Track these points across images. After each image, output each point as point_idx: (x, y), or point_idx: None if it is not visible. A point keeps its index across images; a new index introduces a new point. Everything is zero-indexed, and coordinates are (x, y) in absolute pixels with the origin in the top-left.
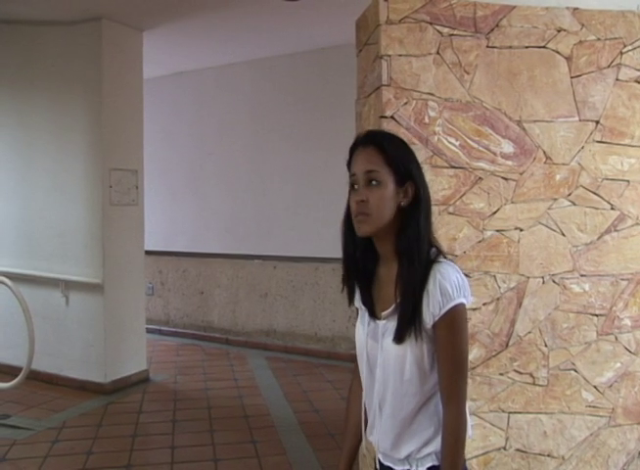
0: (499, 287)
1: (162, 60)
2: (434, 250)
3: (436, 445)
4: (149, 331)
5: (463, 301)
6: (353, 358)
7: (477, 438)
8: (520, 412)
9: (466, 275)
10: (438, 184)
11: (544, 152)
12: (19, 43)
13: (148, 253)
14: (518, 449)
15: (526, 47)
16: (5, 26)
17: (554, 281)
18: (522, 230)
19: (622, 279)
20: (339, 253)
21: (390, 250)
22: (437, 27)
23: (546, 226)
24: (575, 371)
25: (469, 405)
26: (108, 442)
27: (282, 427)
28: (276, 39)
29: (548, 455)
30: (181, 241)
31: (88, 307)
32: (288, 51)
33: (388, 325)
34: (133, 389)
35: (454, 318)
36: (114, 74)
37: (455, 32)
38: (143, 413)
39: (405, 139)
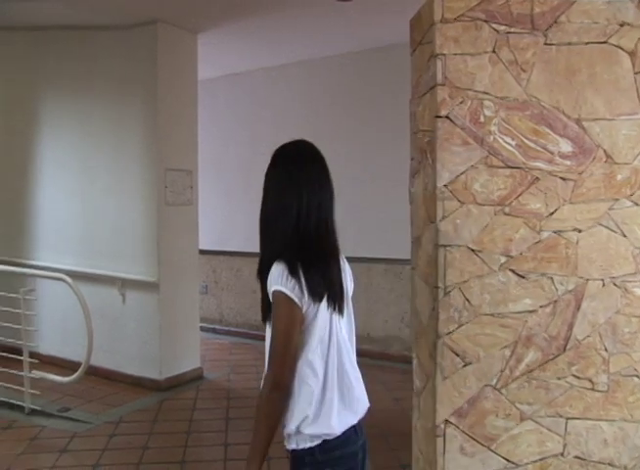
0: (556, 289)
1: (217, 61)
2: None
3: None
4: (202, 330)
5: (278, 288)
6: (406, 359)
7: (532, 443)
8: (578, 418)
9: (522, 277)
10: (494, 184)
11: (604, 151)
12: (79, 48)
13: (202, 252)
14: (576, 457)
15: (587, 43)
16: (66, 32)
17: (615, 284)
18: (580, 231)
19: None
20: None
21: None
22: (493, 25)
23: (606, 227)
24: (638, 377)
25: (525, 409)
26: (163, 437)
27: None
28: (329, 40)
29: (609, 464)
30: (235, 240)
31: (144, 305)
32: (340, 51)
33: None
34: (187, 386)
35: (273, 300)
36: (169, 76)
37: (512, 30)
38: (197, 410)
39: (460, 139)
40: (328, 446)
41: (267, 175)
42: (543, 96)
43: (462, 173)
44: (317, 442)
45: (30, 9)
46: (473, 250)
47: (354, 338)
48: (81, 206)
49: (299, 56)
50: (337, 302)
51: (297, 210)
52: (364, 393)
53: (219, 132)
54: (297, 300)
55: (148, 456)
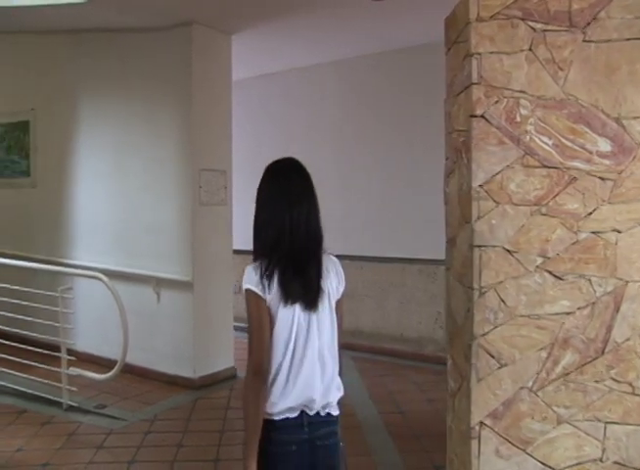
0: (594, 291)
1: (251, 62)
2: None
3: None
4: (236, 329)
5: (246, 286)
6: (440, 360)
7: (570, 447)
8: (618, 423)
9: (559, 278)
10: (530, 184)
11: None
12: (115, 50)
13: (236, 252)
14: (616, 462)
15: (627, 39)
16: (103, 35)
17: None
18: (620, 232)
19: None
20: (425, 253)
21: None
22: (530, 23)
23: None
24: None
25: (562, 412)
26: (197, 436)
27: (367, 427)
28: (362, 39)
29: None
30: None
31: (178, 304)
32: (374, 50)
33: None
34: (221, 385)
35: (245, 298)
36: (203, 77)
37: (549, 28)
38: (230, 409)
39: (496, 138)
40: (269, 425)
41: (258, 188)
42: (581, 94)
43: (498, 173)
44: (266, 417)
45: (70, 13)
46: (508, 250)
47: (335, 332)
48: (118, 205)
49: (332, 56)
50: (303, 299)
51: (278, 219)
52: (322, 389)
53: (253, 132)
54: (261, 294)
55: (182, 454)
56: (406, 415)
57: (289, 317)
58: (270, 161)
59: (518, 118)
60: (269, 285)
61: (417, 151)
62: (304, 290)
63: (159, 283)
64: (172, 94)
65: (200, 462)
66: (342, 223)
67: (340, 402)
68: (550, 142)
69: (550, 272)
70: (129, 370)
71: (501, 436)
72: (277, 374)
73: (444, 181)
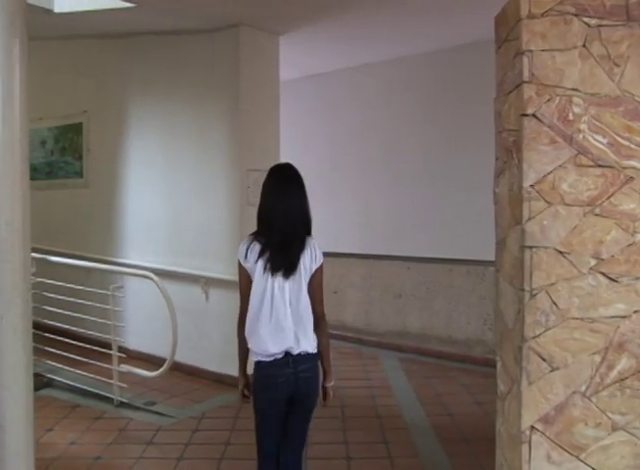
0: None
1: (299, 62)
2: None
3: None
4: None
5: (238, 257)
6: (488, 363)
7: (626, 455)
8: None
9: (613, 280)
10: (583, 184)
11: None
12: (165, 52)
13: None
14: None
15: None
16: (154, 37)
17: None
18: None
19: None
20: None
21: None
22: (584, 19)
23: None
24: None
25: (617, 419)
26: (244, 434)
27: (414, 429)
28: (411, 38)
29: None
30: (315, 240)
31: (226, 304)
32: (423, 50)
33: None
34: None
35: None
36: (251, 78)
37: (604, 23)
38: None
39: (548, 138)
40: (257, 364)
41: (262, 184)
42: (638, 91)
43: (549, 173)
44: (258, 358)
45: (120, 17)
46: (561, 252)
47: (306, 295)
48: (167, 205)
49: (381, 55)
50: (272, 267)
51: (263, 209)
52: (287, 338)
53: (300, 133)
54: (242, 262)
55: (229, 452)
56: (454, 418)
57: (263, 281)
58: (318, 161)
59: (570, 117)
60: (250, 255)
61: (466, 151)
62: (286, 262)
63: (207, 282)
64: (221, 95)
65: (247, 460)
66: (390, 223)
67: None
68: (604, 141)
69: (604, 274)
70: (178, 368)
71: (553, 441)
72: (256, 322)
73: (494, 181)
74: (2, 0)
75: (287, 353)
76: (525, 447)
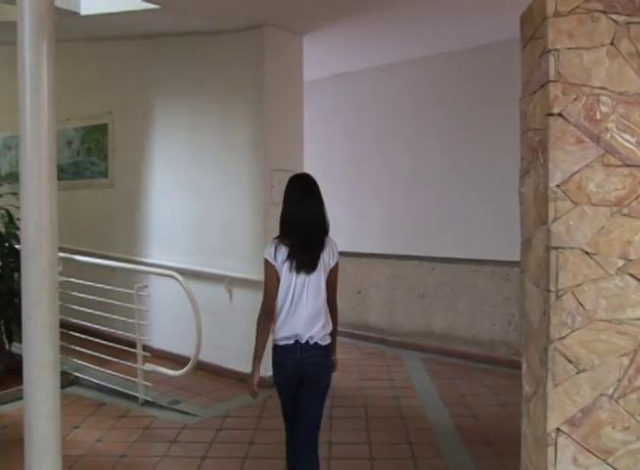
0: None
1: (322, 62)
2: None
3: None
4: None
5: (264, 256)
6: (513, 364)
7: None
8: None
9: None
10: (611, 184)
11: None
12: (189, 53)
13: None
14: None
15: None
16: (178, 38)
17: None
18: None
19: None
20: (498, 255)
21: None
22: (612, 16)
23: None
24: None
25: None
26: (268, 433)
27: (438, 430)
28: (435, 38)
29: None
30: (339, 240)
31: (250, 303)
32: (447, 49)
33: None
34: None
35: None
36: (275, 78)
37: (633, 20)
38: None
39: (574, 137)
40: (276, 347)
41: (284, 192)
42: None
43: (576, 173)
44: (275, 343)
45: (145, 19)
46: (587, 252)
47: (324, 290)
48: (192, 205)
49: (405, 55)
50: (297, 265)
51: (287, 214)
52: (306, 327)
53: (324, 133)
54: (272, 261)
55: (253, 451)
56: (478, 419)
57: (290, 278)
58: (341, 160)
59: (598, 116)
60: (277, 255)
61: (491, 150)
62: (308, 260)
63: (231, 282)
64: (245, 95)
65: (270, 459)
66: (413, 223)
67: (331, 336)
68: (633, 140)
69: (632, 276)
70: (202, 367)
71: (579, 444)
72: (280, 314)
73: (519, 181)
74: (31, 4)
75: (299, 341)
76: (550, 450)
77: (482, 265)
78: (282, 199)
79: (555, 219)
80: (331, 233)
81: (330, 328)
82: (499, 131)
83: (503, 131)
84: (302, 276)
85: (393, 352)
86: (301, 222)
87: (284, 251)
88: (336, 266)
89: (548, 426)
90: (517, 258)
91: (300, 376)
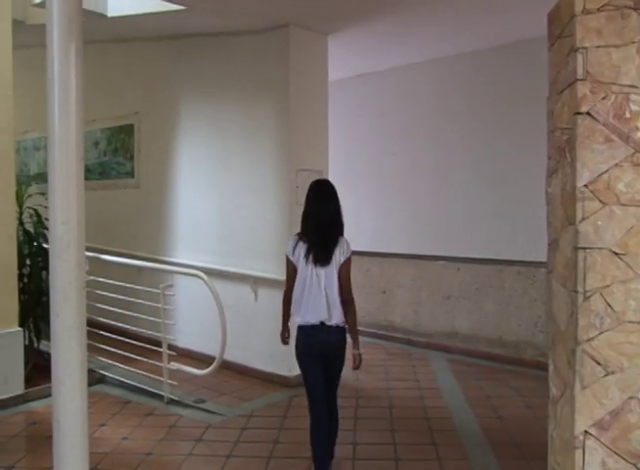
0: None
1: (347, 62)
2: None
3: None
4: None
5: (286, 252)
6: (539, 365)
7: None
8: None
9: None
10: None
11: None
12: (214, 53)
13: None
14: None
15: None
16: (204, 38)
17: None
18: None
19: None
20: (524, 255)
21: None
22: None
23: None
24: None
25: None
26: (292, 433)
27: (464, 431)
28: (460, 37)
29: None
30: (364, 240)
31: (275, 303)
32: (471, 48)
33: None
34: None
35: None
36: (300, 78)
37: None
38: None
39: (603, 136)
40: (300, 328)
41: (306, 195)
42: None
43: (604, 173)
44: (297, 324)
45: (171, 20)
46: (616, 253)
47: (337, 282)
48: (217, 205)
49: (429, 54)
50: (314, 259)
51: (307, 214)
52: (321, 313)
53: (349, 132)
54: (291, 257)
55: (278, 450)
56: (504, 421)
57: (306, 270)
58: (366, 159)
59: (627, 115)
60: (296, 250)
61: (516, 150)
62: (322, 256)
63: (256, 282)
64: (270, 95)
65: (295, 459)
66: (439, 223)
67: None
68: None
69: None
70: (227, 367)
71: (608, 447)
72: (299, 301)
73: (546, 181)
74: (60, 7)
75: (321, 323)
76: (578, 453)
77: (509, 266)
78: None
79: (583, 220)
80: (356, 232)
81: (342, 314)
82: (525, 130)
83: (529, 130)
84: (317, 269)
85: (419, 353)
86: (319, 223)
87: (302, 246)
88: (346, 262)
89: (576, 429)
90: (543, 258)
91: (320, 352)
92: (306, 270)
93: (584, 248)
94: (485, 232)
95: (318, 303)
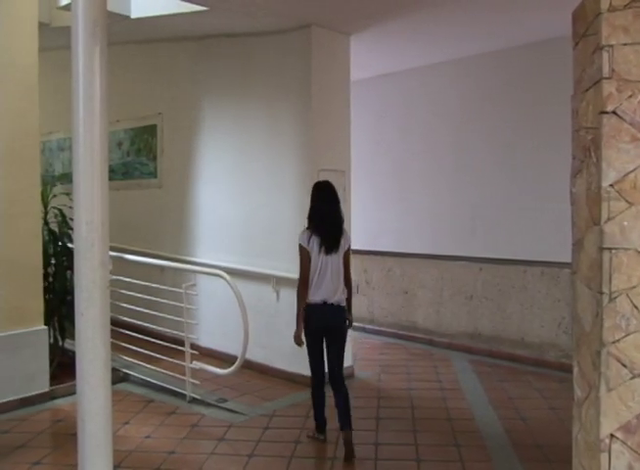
0: None
1: (369, 62)
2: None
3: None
4: (353, 329)
5: (299, 242)
6: (563, 367)
7: None
8: None
9: None
10: None
11: None
12: (236, 54)
13: (354, 252)
14: None
15: None
16: (226, 39)
17: None
18: None
19: None
20: (548, 256)
21: None
22: None
23: None
24: None
25: None
26: None
27: (486, 433)
28: (483, 37)
29: None
30: (386, 240)
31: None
32: (495, 48)
33: None
34: None
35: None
36: (322, 78)
37: None
38: None
39: (629, 135)
40: (309, 306)
41: (310, 195)
42: None
43: (631, 172)
44: (308, 302)
45: (194, 21)
46: None
47: (341, 267)
48: (239, 205)
49: (452, 54)
50: (326, 248)
51: (316, 211)
52: (330, 293)
53: (371, 132)
54: (305, 246)
55: (300, 450)
56: (528, 422)
57: (319, 258)
58: (389, 159)
59: None
60: (310, 241)
61: (540, 149)
62: (332, 245)
63: (278, 282)
64: (292, 95)
65: (317, 459)
66: (461, 224)
67: (348, 301)
68: None
69: None
70: (249, 366)
71: (635, 452)
72: (311, 284)
73: (571, 181)
74: (85, 9)
75: (329, 302)
76: (604, 457)
77: (532, 266)
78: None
79: (608, 220)
80: (378, 232)
81: (345, 294)
82: (548, 130)
83: (552, 130)
84: (328, 256)
85: (441, 354)
86: (326, 218)
87: (315, 238)
88: (348, 249)
89: (601, 432)
90: (567, 259)
91: (326, 327)
92: (318, 258)
93: (610, 248)
94: (508, 232)
95: (328, 284)
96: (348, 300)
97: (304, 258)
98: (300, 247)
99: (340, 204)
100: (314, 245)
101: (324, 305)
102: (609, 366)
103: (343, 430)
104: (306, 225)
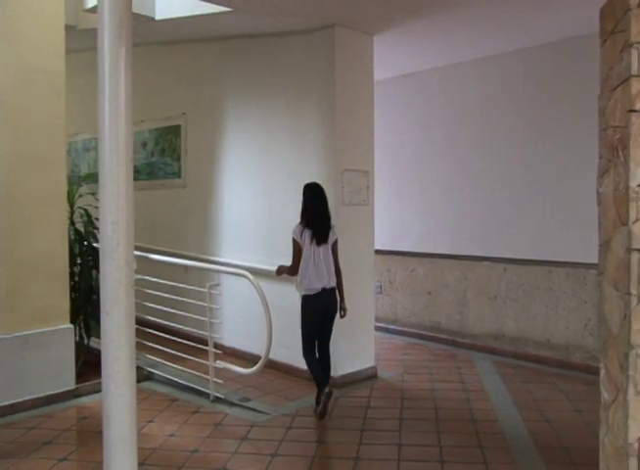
0: None
1: (392, 62)
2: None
3: None
4: (376, 329)
5: (292, 235)
6: (589, 369)
7: None
8: None
9: None
10: None
11: None
12: (260, 54)
13: (377, 252)
14: None
15: None
16: (250, 40)
17: None
18: None
19: None
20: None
21: None
22: None
23: None
24: None
25: None
26: (336, 433)
27: (510, 435)
28: (505, 36)
29: None
30: (409, 241)
31: None
32: (518, 47)
33: None
34: (361, 384)
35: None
36: (346, 78)
37: None
38: (371, 409)
39: None
40: (305, 296)
41: (302, 194)
42: None
43: None
44: (302, 293)
45: (219, 21)
46: None
47: (330, 256)
48: (262, 205)
49: (475, 54)
50: (317, 240)
51: (308, 209)
52: (324, 280)
53: (393, 133)
54: (298, 239)
55: (322, 450)
56: (553, 425)
57: (311, 249)
58: (411, 160)
59: None
60: (302, 235)
61: (564, 149)
62: (322, 237)
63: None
64: (315, 95)
65: (339, 459)
66: (485, 224)
67: (339, 286)
68: None
69: None
70: (272, 366)
71: None
72: (305, 272)
73: (597, 181)
74: (111, 11)
75: (323, 288)
76: (632, 461)
77: (557, 267)
78: (351, 199)
79: (636, 220)
80: (401, 233)
81: (334, 279)
82: (572, 129)
83: (576, 129)
84: (319, 248)
85: (464, 355)
86: (317, 215)
87: (307, 232)
88: (336, 241)
89: (629, 436)
90: (594, 259)
91: (323, 308)
92: (310, 249)
93: (638, 249)
94: (533, 233)
95: (321, 272)
96: (339, 285)
97: (296, 249)
98: (293, 240)
99: (327, 202)
100: (306, 237)
101: (323, 292)
102: (637, 369)
103: (324, 389)
104: (299, 221)
